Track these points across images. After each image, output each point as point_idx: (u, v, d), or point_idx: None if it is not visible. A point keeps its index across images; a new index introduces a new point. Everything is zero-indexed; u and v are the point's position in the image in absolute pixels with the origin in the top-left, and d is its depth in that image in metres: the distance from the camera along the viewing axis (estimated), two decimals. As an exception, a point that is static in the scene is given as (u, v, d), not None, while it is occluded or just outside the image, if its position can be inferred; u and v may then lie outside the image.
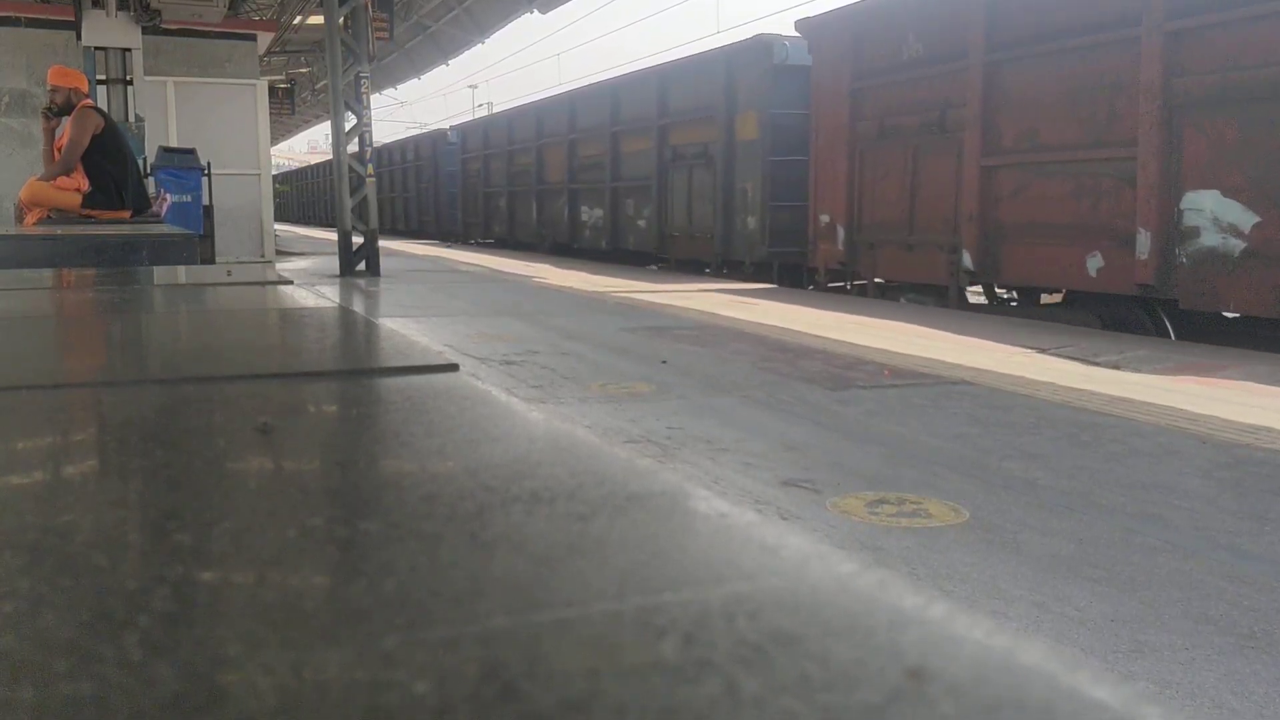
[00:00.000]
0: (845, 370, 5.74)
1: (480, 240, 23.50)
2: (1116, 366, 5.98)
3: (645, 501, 0.54)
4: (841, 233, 10.82)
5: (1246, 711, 2.00)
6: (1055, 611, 2.42)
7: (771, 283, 12.08)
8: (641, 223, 15.49)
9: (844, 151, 10.75)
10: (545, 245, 19.34)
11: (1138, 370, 5.84)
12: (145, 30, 11.18)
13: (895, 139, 10.08)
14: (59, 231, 4.27)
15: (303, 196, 48.54)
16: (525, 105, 20.92)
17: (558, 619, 0.38)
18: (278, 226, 22.51)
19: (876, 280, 10.59)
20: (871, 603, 0.39)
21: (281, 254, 16.88)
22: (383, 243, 16.95)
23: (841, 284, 11.30)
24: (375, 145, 26.35)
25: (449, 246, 22.26)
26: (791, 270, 12.12)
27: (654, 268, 15.39)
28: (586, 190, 17.42)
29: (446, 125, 26.95)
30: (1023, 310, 9.09)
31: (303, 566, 0.46)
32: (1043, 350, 6.60)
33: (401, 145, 30.42)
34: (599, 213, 16.89)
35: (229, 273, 2.65)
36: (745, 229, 12.59)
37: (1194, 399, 4.91)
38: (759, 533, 0.48)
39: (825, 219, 11.12)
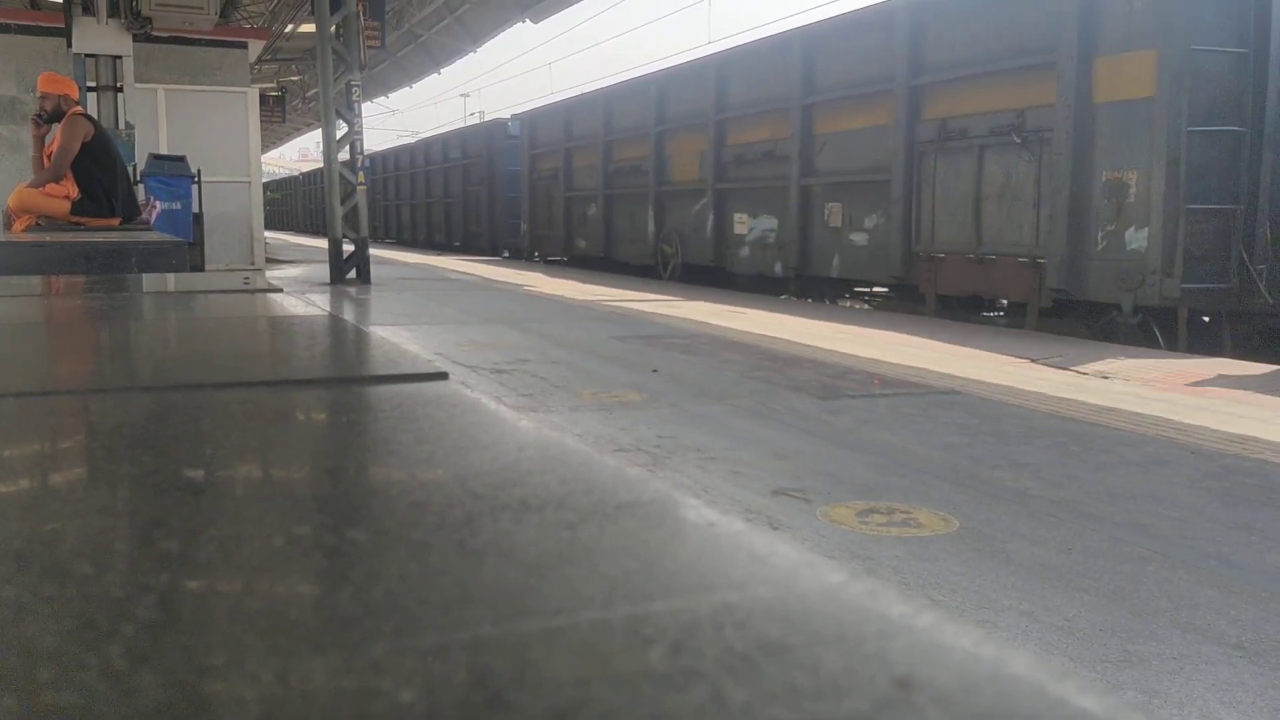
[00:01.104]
0: (835, 379, 5.75)
1: (555, 258, 19.09)
2: (1105, 376, 6.00)
3: (634, 510, 0.54)
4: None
5: (1235, 721, 2.00)
6: (1044, 621, 2.42)
7: (1200, 352, 7.31)
8: (860, 237, 10.47)
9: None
10: (669, 268, 14.46)
11: (1127, 380, 5.87)
12: (136, 37, 11.17)
13: None
14: (48, 238, 4.26)
15: (293, 204, 48.28)
16: (630, 81, 15.99)
17: (546, 627, 0.38)
18: (268, 234, 22.50)
19: None
20: (860, 612, 0.39)
21: (272, 261, 16.85)
22: (411, 258, 16.51)
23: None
24: (407, 144, 24.68)
25: (509, 265, 17.97)
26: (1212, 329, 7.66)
27: (863, 306, 11.32)
28: (745, 191, 12.57)
29: (506, 115, 22.07)
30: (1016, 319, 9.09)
31: (290, 574, 0.45)
32: (1032, 360, 6.62)
33: (442, 142, 25.65)
34: (769, 222, 12.02)
35: (246, 280, 2.65)
36: (1120, 249, 7.63)
37: (1182, 409, 4.93)
38: (748, 542, 0.48)
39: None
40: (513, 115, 21.03)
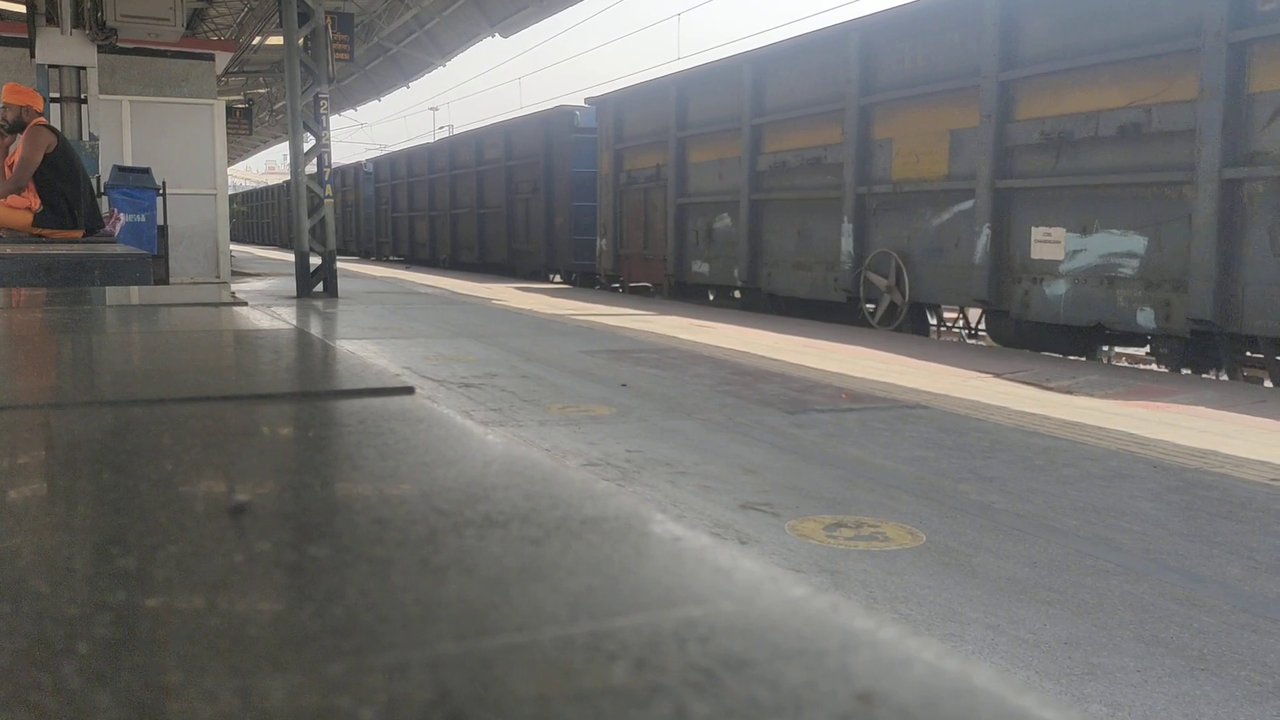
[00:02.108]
0: (803, 394, 5.77)
1: (647, 284, 14.78)
2: (1069, 391, 6.07)
3: (599, 525, 0.54)
4: None
5: (1197, 732, 2.02)
6: (1009, 634, 2.44)
7: None
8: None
9: None
10: (882, 309, 9.93)
11: (1090, 395, 5.93)
12: (101, 48, 11.06)
13: None
14: (9, 250, 4.20)
15: (260, 217, 47.50)
16: (806, 36, 11.12)
17: (508, 644, 0.38)
18: (234, 247, 22.31)
19: None
20: (823, 626, 0.40)
21: (237, 274, 16.71)
22: (426, 280, 15.32)
23: None
24: (424, 144, 22.47)
25: (577, 295, 14.10)
26: None
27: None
28: (1063, 192, 8.08)
29: (576, 101, 17.43)
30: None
31: (249, 592, 0.45)
32: (998, 374, 6.68)
33: (476, 140, 21.07)
34: (1125, 242, 7.60)
35: (233, 295, 2.62)
36: None
37: (1145, 423, 4.99)
38: (712, 556, 0.48)
39: None
40: (587, 99, 16.15)
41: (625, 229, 15.12)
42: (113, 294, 2.89)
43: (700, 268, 13.29)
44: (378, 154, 29.94)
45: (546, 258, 18.01)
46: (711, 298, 13.80)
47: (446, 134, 38.68)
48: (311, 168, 12.55)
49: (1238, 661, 2.30)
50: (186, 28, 13.49)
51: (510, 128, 19.70)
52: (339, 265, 17.17)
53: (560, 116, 17.52)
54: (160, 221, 11.73)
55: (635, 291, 15.15)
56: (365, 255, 30.12)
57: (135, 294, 3.02)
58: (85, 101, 10.97)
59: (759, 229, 11.98)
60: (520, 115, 19.82)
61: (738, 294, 12.82)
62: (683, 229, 13.59)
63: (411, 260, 25.53)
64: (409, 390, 1.01)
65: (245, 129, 26.83)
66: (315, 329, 9.25)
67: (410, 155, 26.23)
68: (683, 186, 13.55)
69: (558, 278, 18.56)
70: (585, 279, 17.23)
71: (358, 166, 31.18)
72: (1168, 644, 2.39)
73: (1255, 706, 2.10)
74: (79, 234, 6.01)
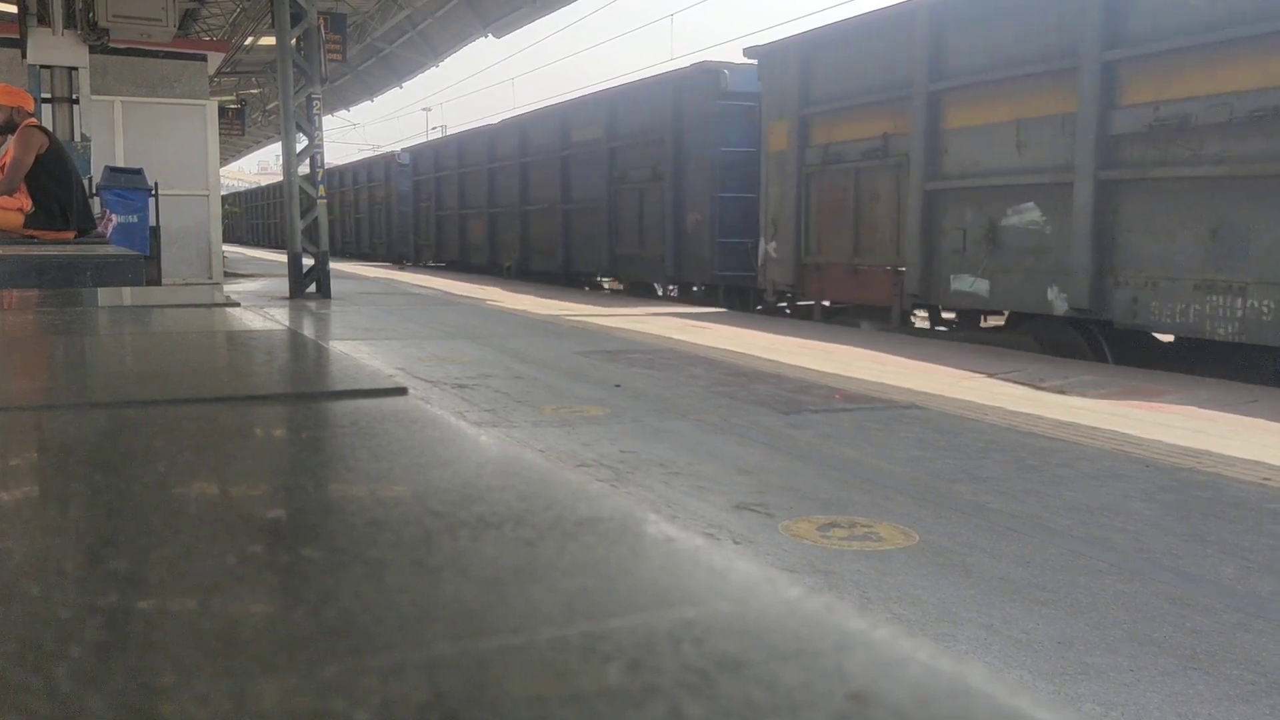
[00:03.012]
0: (798, 394, 5.78)
1: (874, 305, 9.96)
2: (1063, 391, 6.08)
3: (594, 526, 0.54)
4: None
5: (1190, 731, 2.03)
6: (1003, 634, 2.44)
7: None
8: None
9: None
10: None
11: (1083, 395, 5.94)
12: (93, 49, 11.03)
13: None
14: (0, 252, 4.18)
15: (253, 218, 47.06)
16: None
17: (503, 645, 0.38)
18: (227, 248, 22.20)
19: None
20: (818, 626, 0.39)
21: (230, 275, 16.68)
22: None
23: None
24: (480, 127, 18.85)
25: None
26: None
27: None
28: None
29: (720, 58, 12.44)
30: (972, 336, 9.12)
31: (242, 594, 0.45)
32: (991, 375, 6.69)
33: (561, 117, 16.47)
34: None
35: (226, 296, 2.62)
36: None
37: (1138, 424, 5.00)
38: (707, 557, 0.48)
39: None
40: (746, 49, 11.67)
41: (816, 227, 10.57)
42: (105, 295, 2.89)
43: (968, 284, 8.68)
44: (416, 142, 25.43)
45: (671, 266, 13.33)
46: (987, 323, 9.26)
47: (440, 134, 36.65)
48: (304, 168, 12.54)
49: (1231, 660, 2.31)
50: (179, 28, 13.45)
51: (617, 98, 14.86)
52: (369, 272, 17.09)
53: (699, 79, 12.61)
54: (152, 222, 11.71)
55: (837, 318, 10.78)
56: (400, 261, 25.66)
57: (127, 295, 3.01)
58: (77, 102, 10.94)
59: (1111, 225, 7.45)
60: (633, 80, 15.15)
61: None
62: (934, 227, 8.99)
63: (461, 266, 21.33)
64: (402, 391, 1.01)
65: (238, 129, 26.81)
66: (308, 330, 9.24)
67: (462, 142, 21.58)
68: (936, 164, 8.95)
69: (677, 290, 14.28)
70: (736, 295, 12.63)
71: (390, 159, 26.67)
72: (1161, 643, 2.40)
73: (1248, 705, 2.10)
74: (71, 235, 5.99)
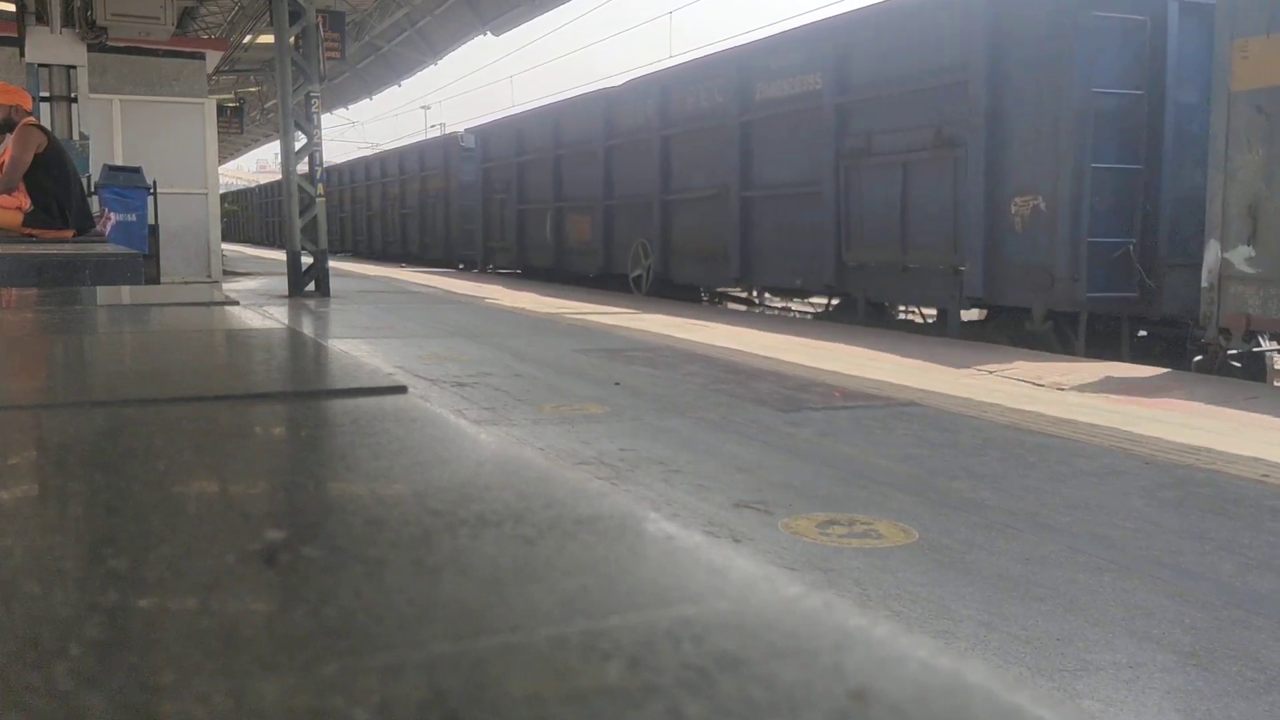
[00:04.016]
0: (796, 392, 5.78)
1: None
2: (1061, 388, 6.08)
3: (593, 524, 0.54)
4: None
5: (1189, 728, 2.03)
6: (1002, 631, 2.44)
7: None
8: None
9: None
10: None
11: (1081, 391, 5.95)
12: (91, 47, 11.02)
13: None
14: (-1, 250, 4.18)
15: (252, 216, 46.87)
16: None
17: (503, 644, 0.38)
18: (226, 246, 22.09)
19: None
20: (817, 624, 0.40)
21: (229, 274, 16.68)
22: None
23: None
24: (599, 91, 14.16)
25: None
26: None
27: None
28: None
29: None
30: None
31: (242, 592, 0.45)
32: (989, 371, 6.69)
33: (737, 64, 11.76)
34: None
35: (225, 294, 2.62)
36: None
37: (1137, 420, 5.01)
38: (706, 555, 0.48)
39: None
40: None
41: None
42: (104, 294, 2.89)
43: None
44: (481, 122, 20.11)
45: (978, 281, 8.49)
46: None
47: (439, 132, 33.81)
48: (303, 166, 12.53)
49: (1230, 657, 2.31)
50: (177, 26, 13.45)
51: (853, 26, 9.99)
52: (421, 277, 16.07)
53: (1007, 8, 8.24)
54: (151, 221, 11.70)
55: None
56: (459, 265, 21.63)
57: (126, 294, 3.01)
58: (75, 100, 10.94)
59: None
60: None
61: None
62: None
63: (554, 275, 16.98)
64: (402, 390, 1.01)
65: (236, 128, 26.71)
66: (307, 328, 9.24)
67: (558, 115, 16.72)
68: None
69: (983, 315, 9.20)
70: (1118, 334, 8.18)
71: (450, 143, 22.27)
72: (1160, 640, 2.40)
73: (1247, 702, 2.11)
74: (70, 234, 5.99)
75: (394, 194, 26.05)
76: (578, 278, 16.23)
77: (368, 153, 31.47)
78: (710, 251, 12.56)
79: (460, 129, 22.44)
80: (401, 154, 26.14)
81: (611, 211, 15.04)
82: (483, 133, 20.34)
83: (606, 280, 15.16)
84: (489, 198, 19.70)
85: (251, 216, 46.89)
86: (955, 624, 2.48)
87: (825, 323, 10.34)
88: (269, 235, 41.37)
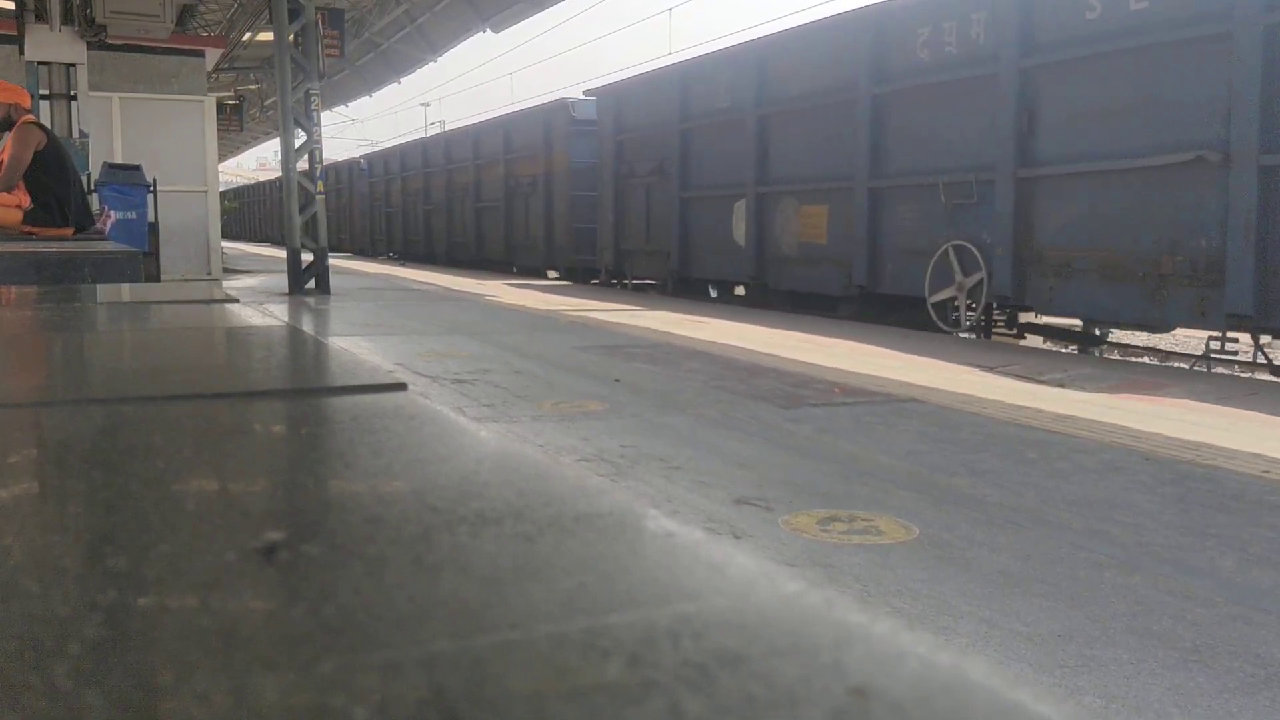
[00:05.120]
0: (797, 388, 5.78)
1: None
2: (1061, 384, 6.08)
3: (593, 521, 0.54)
4: None
5: (1190, 724, 2.03)
6: (1003, 627, 2.44)
7: None
8: None
9: None
10: None
11: (1082, 388, 5.94)
12: (90, 45, 11.01)
13: None
14: (-1, 248, 4.18)
15: (252, 213, 46.69)
16: None
17: (502, 641, 0.38)
18: (226, 244, 22.03)
19: None
20: (817, 621, 0.39)
21: (229, 272, 16.68)
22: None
23: None
24: (812, 23, 9.37)
25: None
26: None
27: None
28: None
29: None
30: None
31: (241, 590, 0.45)
32: (989, 368, 6.69)
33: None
34: None
35: (225, 292, 2.62)
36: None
37: (1137, 416, 5.00)
38: (706, 552, 0.48)
39: None
40: None
41: None
42: (104, 291, 2.88)
43: None
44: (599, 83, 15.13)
45: None
46: None
47: (440, 129, 32.82)
48: (303, 164, 12.53)
49: (1231, 653, 2.31)
50: (176, 24, 13.44)
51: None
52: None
53: None
54: (151, 218, 11.70)
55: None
56: (552, 274, 17.09)
57: (126, 291, 3.01)
58: (75, 98, 10.93)
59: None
60: None
61: None
62: None
63: (754, 292, 11.97)
64: (402, 386, 1.01)
65: (236, 125, 26.61)
66: (307, 325, 9.24)
67: (763, 57, 11.37)
68: None
69: None
70: None
71: (554, 113, 16.71)
72: (1161, 636, 2.40)
73: (1248, 697, 2.11)
74: (70, 232, 5.99)
75: (464, 183, 20.72)
76: (789, 298, 11.14)
77: (431, 132, 23.80)
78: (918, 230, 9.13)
79: (569, 94, 16.83)
80: (478, 133, 20.26)
81: (882, 197, 9.71)
82: (614, 94, 14.67)
83: (867, 306, 10.05)
84: (621, 184, 14.39)
85: (251, 215, 46.42)
86: (956, 620, 2.48)
87: (826, 319, 10.33)
88: (247, 232, 39.78)
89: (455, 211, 21.46)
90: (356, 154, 31.25)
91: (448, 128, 29.37)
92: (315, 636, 0.38)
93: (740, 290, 12.49)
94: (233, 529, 0.54)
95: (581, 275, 16.26)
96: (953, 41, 8.89)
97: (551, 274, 17.13)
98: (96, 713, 0.32)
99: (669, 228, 13.20)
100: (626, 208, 14.41)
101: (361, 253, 27.51)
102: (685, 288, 13.30)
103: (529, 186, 17.56)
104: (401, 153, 25.46)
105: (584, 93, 15.77)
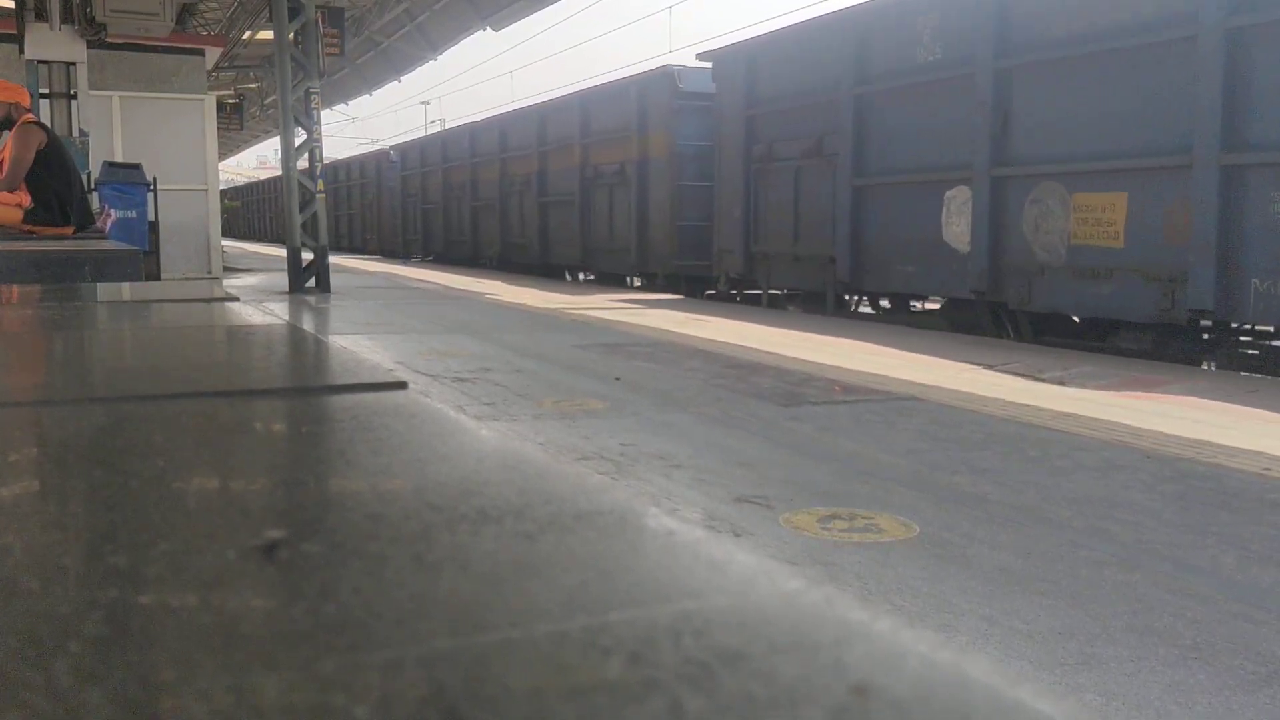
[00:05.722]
0: (797, 386, 5.78)
1: None
2: (1062, 382, 6.08)
3: (593, 519, 0.54)
4: None
5: (1190, 722, 2.03)
6: (1004, 625, 2.44)
7: None
8: None
9: None
10: None
11: (1082, 386, 5.94)
12: (90, 44, 11.00)
13: None
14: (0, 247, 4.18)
15: (252, 212, 46.62)
16: None
17: (503, 639, 0.38)
18: (226, 242, 22.00)
19: None
20: (817, 619, 0.39)
21: (229, 270, 16.67)
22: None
23: None
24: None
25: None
26: None
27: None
28: None
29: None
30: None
31: (242, 588, 0.45)
32: (990, 366, 6.69)
33: None
34: None
35: (225, 290, 2.61)
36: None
37: (1137, 414, 5.00)
38: (706, 550, 0.48)
39: None
40: None
41: None
42: (104, 290, 2.88)
43: None
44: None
45: None
46: None
47: (439, 128, 31.79)
48: (303, 162, 12.52)
49: (1231, 650, 2.31)
50: (176, 23, 13.43)
51: None
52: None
53: None
54: (151, 217, 11.70)
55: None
56: (672, 282, 13.31)
57: (126, 290, 3.01)
58: (75, 97, 10.93)
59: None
60: None
61: None
62: None
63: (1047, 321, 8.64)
64: (402, 385, 1.01)
65: (236, 124, 26.60)
66: (307, 324, 9.24)
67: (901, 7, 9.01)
68: None
69: None
70: None
71: (649, 85, 13.42)
72: (1161, 634, 2.40)
73: (1248, 695, 2.11)
74: (70, 231, 5.99)
75: (523, 174, 17.42)
76: (1048, 323, 8.37)
77: (478, 118, 20.26)
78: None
79: (569, 90, 14.29)
80: (542, 114, 16.89)
81: (1245, 179, 6.49)
82: (743, 56, 11.36)
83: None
84: (757, 167, 11.22)
85: (253, 214, 46.18)
86: (956, 618, 2.48)
87: (826, 317, 10.32)
88: (247, 231, 38.82)
89: (511, 207, 18.06)
90: (356, 152, 31.19)
91: (448, 126, 28.83)
92: (316, 634, 0.38)
93: (947, 312, 9.18)
94: (233, 527, 0.54)
95: (685, 285, 13.07)
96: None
97: (637, 282, 14.23)
98: (97, 710, 0.32)
99: (831, 225, 9.97)
100: (763, 200, 11.10)
101: (393, 255, 24.53)
102: (845, 303, 10.38)
103: (614, 176, 14.23)
104: (443, 140, 22.41)
105: (697, 56, 12.35)
